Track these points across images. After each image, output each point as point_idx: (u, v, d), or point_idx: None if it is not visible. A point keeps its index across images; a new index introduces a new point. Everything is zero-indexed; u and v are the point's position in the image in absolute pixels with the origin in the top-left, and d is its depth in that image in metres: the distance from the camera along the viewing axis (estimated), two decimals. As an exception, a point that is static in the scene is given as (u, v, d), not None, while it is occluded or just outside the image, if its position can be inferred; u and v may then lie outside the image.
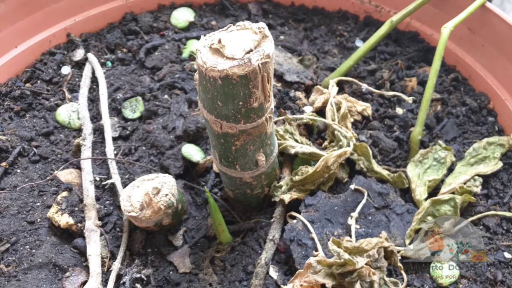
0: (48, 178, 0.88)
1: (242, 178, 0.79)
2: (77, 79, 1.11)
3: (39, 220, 0.85)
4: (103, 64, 1.13)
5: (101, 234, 0.82)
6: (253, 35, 0.61)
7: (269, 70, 0.62)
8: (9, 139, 0.96)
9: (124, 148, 0.98)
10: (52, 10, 1.12)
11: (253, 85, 0.62)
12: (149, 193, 0.74)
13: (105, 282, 0.77)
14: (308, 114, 0.95)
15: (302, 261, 0.76)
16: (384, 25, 0.99)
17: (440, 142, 0.88)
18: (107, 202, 0.89)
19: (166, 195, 0.75)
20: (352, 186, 0.83)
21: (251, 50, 0.60)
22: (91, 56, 1.13)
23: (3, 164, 0.91)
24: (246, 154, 0.74)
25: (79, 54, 1.15)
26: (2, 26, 1.04)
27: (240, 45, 0.60)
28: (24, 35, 1.09)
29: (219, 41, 0.60)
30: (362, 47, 1.01)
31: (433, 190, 0.85)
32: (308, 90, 1.05)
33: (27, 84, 1.08)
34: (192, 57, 1.14)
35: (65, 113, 1.02)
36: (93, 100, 1.07)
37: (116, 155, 0.95)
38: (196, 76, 0.71)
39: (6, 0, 1.02)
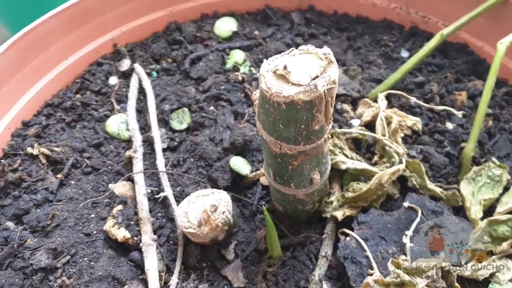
0: (107, 193, 0.90)
1: (295, 195, 0.80)
2: (124, 89, 1.13)
3: (95, 232, 0.87)
4: (148, 74, 1.15)
5: (156, 247, 0.84)
6: (318, 60, 0.62)
7: (333, 95, 0.63)
8: (62, 150, 0.98)
9: (173, 159, 0.99)
10: (100, 21, 1.15)
11: (317, 110, 0.62)
12: (207, 210, 0.75)
13: (162, 296, 0.79)
14: (357, 128, 0.95)
15: (357, 278, 0.77)
16: (434, 38, 0.98)
17: (494, 159, 0.87)
18: (159, 214, 0.91)
19: (223, 212, 0.76)
20: (406, 204, 0.83)
21: (317, 76, 0.60)
22: (137, 66, 1.15)
23: (59, 176, 0.94)
24: (302, 173, 0.75)
25: (125, 64, 1.17)
26: (54, 39, 1.06)
27: (306, 71, 0.61)
28: (74, 47, 1.12)
29: (285, 67, 0.60)
30: (411, 60, 1.00)
31: (488, 209, 0.84)
32: (354, 102, 1.04)
33: (77, 95, 1.10)
34: (235, 68, 1.15)
35: (114, 125, 1.04)
36: (140, 111, 1.09)
37: (165, 166, 0.97)
38: (255, 97, 0.72)
39: (58, 15, 1.04)
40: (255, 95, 0.71)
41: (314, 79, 0.60)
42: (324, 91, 0.60)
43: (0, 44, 1.00)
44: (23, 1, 1.43)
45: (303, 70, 0.61)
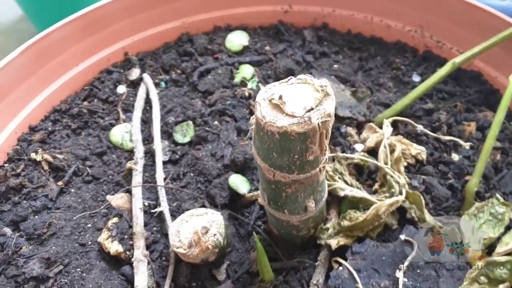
0: (105, 205, 0.90)
1: (289, 221, 0.79)
2: (131, 98, 1.13)
3: (89, 243, 0.87)
4: (157, 84, 1.16)
5: (148, 263, 0.84)
6: (314, 92, 0.61)
7: (328, 127, 0.62)
8: (65, 157, 0.99)
9: (173, 173, 0.99)
10: (112, 30, 1.16)
11: (311, 141, 0.61)
12: (198, 232, 0.75)
13: (150, 313, 0.79)
14: (359, 154, 0.93)
15: (346, 311, 0.75)
16: (445, 66, 0.96)
17: (498, 195, 0.85)
18: (154, 228, 0.91)
19: (215, 235, 0.76)
20: (402, 237, 0.81)
21: (312, 109, 0.59)
22: (146, 77, 1.15)
23: (60, 183, 0.95)
24: (296, 201, 0.74)
25: (135, 73, 1.18)
26: (67, 46, 1.08)
27: (301, 103, 0.60)
28: (86, 54, 1.13)
29: (280, 97, 0.60)
30: (420, 86, 0.98)
31: (487, 247, 0.81)
32: (360, 126, 1.03)
33: (85, 102, 1.11)
34: (243, 83, 1.15)
35: (118, 134, 1.05)
36: (146, 122, 1.09)
37: (165, 179, 0.97)
38: (252, 121, 0.71)
39: (72, 23, 1.06)
40: (253, 119, 0.71)
41: (308, 111, 0.59)
42: (318, 124, 0.59)
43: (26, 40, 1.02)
44: (53, 1, 1.46)
45: (299, 101, 0.60)
